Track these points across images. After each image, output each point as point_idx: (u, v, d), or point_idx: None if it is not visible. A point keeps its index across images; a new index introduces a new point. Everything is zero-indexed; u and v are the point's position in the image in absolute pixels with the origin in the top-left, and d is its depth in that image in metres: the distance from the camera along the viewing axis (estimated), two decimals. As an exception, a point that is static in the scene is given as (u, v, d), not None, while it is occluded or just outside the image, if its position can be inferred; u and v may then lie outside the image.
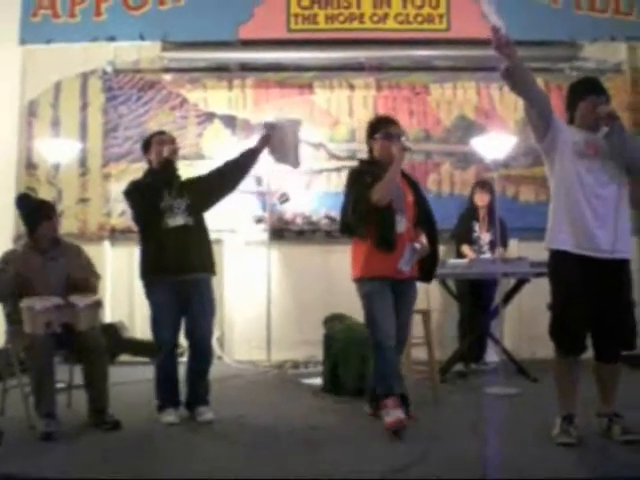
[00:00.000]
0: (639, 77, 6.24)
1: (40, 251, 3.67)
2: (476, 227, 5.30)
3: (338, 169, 6.04)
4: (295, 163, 3.90)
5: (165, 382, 3.69)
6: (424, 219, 3.59)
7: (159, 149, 3.72)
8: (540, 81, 5.27)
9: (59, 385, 3.74)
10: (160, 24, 6.04)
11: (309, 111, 6.15)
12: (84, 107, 6.22)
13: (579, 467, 2.80)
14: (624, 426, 3.05)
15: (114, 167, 6.14)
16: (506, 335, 5.19)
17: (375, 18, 6.10)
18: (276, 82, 6.24)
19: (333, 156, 6.15)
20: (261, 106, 6.18)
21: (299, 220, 6.10)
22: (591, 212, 3.04)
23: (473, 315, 5.09)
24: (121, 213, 5.99)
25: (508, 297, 4.95)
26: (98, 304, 3.72)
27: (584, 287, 3.01)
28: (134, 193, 3.71)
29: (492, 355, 5.22)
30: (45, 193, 5.73)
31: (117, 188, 5.75)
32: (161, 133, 3.91)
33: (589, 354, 3.14)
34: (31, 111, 6.20)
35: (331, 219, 5.92)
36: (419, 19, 6.10)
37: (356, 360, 4.27)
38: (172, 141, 3.80)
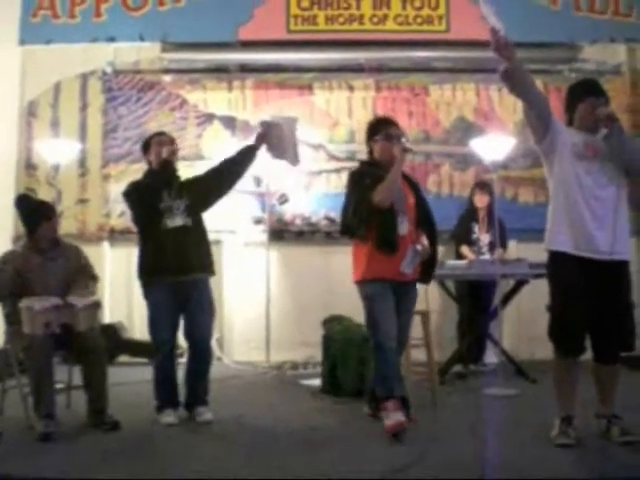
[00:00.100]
0: (638, 79, 6.24)
1: (39, 252, 3.67)
2: (475, 228, 5.31)
3: (337, 170, 6.06)
4: (294, 160, 3.89)
5: (164, 383, 3.69)
6: (424, 220, 3.58)
7: (158, 150, 3.72)
8: (539, 83, 5.26)
9: (58, 386, 3.73)
10: (160, 25, 6.04)
11: (309, 112, 6.15)
12: (84, 108, 6.22)
13: (578, 468, 2.80)
14: (623, 427, 3.05)
15: (113, 168, 6.14)
16: (505, 336, 5.19)
17: (375, 19, 6.11)
18: (276, 83, 6.24)
19: (332, 157, 6.16)
20: (261, 107, 6.17)
21: (298, 221, 6.10)
22: (590, 213, 3.04)
23: (472, 316, 5.09)
24: (120, 214, 5.99)
25: (507, 298, 4.95)
26: (97, 305, 3.72)
27: (583, 288, 3.01)
28: (133, 194, 3.70)
29: (491, 356, 5.23)
30: (44, 194, 5.73)
31: (116, 189, 5.74)
32: (161, 134, 3.91)
33: (588, 355, 3.14)
34: (31, 112, 6.20)
35: (330, 220, 5.93)
36: (418, 20, 6.11)
37: (355, 361, 4.28)
38: (171, 142, 3.80)
